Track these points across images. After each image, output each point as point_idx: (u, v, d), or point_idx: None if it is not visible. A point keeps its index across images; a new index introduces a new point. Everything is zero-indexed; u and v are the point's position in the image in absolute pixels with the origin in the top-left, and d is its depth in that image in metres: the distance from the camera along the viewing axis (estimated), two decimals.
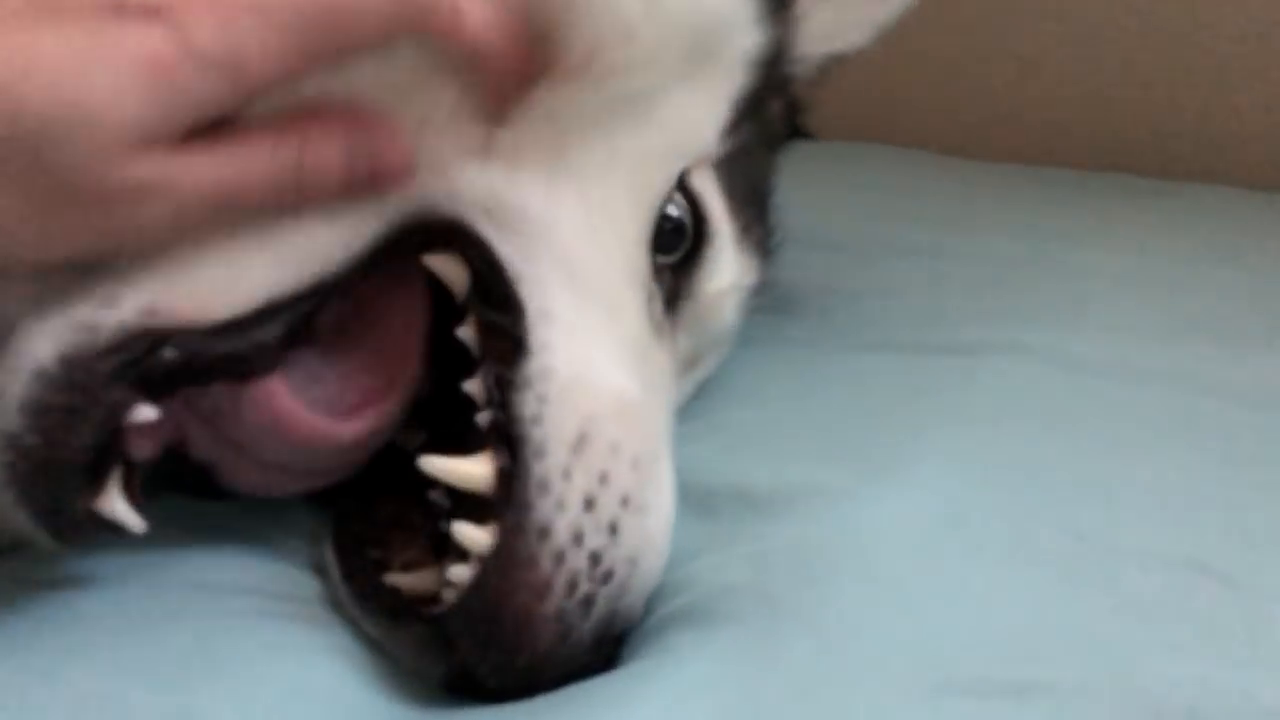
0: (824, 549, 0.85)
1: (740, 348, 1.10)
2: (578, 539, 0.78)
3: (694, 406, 1.04)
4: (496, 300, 0.84)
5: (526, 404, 0.79)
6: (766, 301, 1.11)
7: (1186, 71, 1.88)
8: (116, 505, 0.77)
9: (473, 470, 0.80)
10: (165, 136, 0.72)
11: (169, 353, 0.77)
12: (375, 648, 0.81)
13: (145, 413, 0.77)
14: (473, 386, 0.83)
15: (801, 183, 1.19)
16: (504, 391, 0.81)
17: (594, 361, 0.83)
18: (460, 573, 0.77)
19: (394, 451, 0.89)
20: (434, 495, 0.84)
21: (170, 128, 0.72)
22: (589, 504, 0.78)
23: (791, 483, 0.94)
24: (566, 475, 0.78)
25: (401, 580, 0.83)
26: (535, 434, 0.79)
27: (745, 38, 0.95)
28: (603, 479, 0.79)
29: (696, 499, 0.91)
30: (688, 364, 1.01)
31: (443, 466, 0.80)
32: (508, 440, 0.80)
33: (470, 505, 0.80)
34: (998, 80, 1.91)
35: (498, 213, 0.83)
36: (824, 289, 1.31)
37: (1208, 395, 1.10)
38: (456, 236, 0.84)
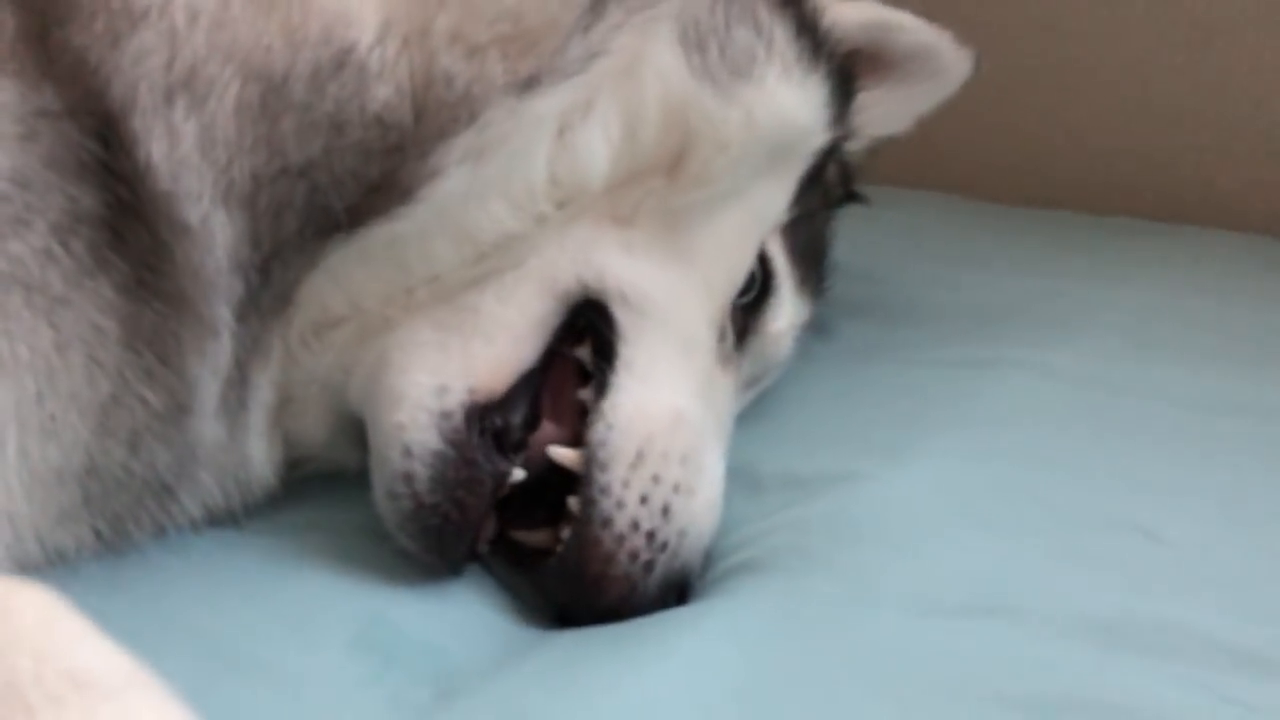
0: (850, 518, 1.11)
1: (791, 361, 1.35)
2: (635, 525, 1.04)
3: (752, 411, 1.29)
4: (602, 350, 1.09)
5: (597, 431, 1.05)
6: (813, 324, 1.37)
7: (1189, 129, 2.09)
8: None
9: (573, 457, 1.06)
10: None
11: (497, 421, 1.03)
12: (508, 588, 1.07)
13: (518, 474, 1.03)
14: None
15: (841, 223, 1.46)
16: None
17: (659, 392, 1.08)
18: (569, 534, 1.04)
19: None
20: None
21: None
22: (644, 500, 1.04)
23: (827, 468, 1.20)
24: (626, 484, 1.04)
25: (521, 535, 1.08)
26: (600, 454, 1.04)
27: (818, 138, 1.21)
28: (655, 479, 1.05)
29: (750, 481, 1.18)
30: (750, 383, 1.28)
31: (559, 453, 1.06)
32: None
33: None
34: (1017, 131, 2.14)
35: (632, 297, 1.09)
36: (859, 314, 1.56)
37: (1166, 403, 1.35)
38: (597, 315, 1.09)
